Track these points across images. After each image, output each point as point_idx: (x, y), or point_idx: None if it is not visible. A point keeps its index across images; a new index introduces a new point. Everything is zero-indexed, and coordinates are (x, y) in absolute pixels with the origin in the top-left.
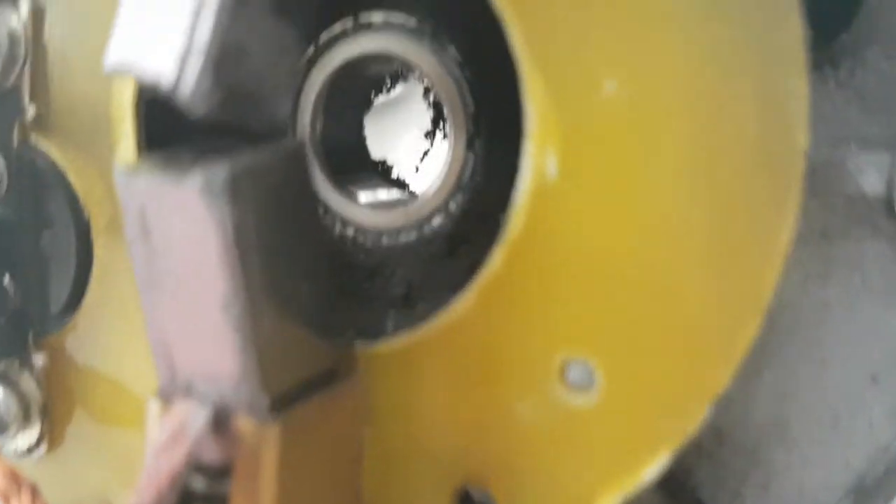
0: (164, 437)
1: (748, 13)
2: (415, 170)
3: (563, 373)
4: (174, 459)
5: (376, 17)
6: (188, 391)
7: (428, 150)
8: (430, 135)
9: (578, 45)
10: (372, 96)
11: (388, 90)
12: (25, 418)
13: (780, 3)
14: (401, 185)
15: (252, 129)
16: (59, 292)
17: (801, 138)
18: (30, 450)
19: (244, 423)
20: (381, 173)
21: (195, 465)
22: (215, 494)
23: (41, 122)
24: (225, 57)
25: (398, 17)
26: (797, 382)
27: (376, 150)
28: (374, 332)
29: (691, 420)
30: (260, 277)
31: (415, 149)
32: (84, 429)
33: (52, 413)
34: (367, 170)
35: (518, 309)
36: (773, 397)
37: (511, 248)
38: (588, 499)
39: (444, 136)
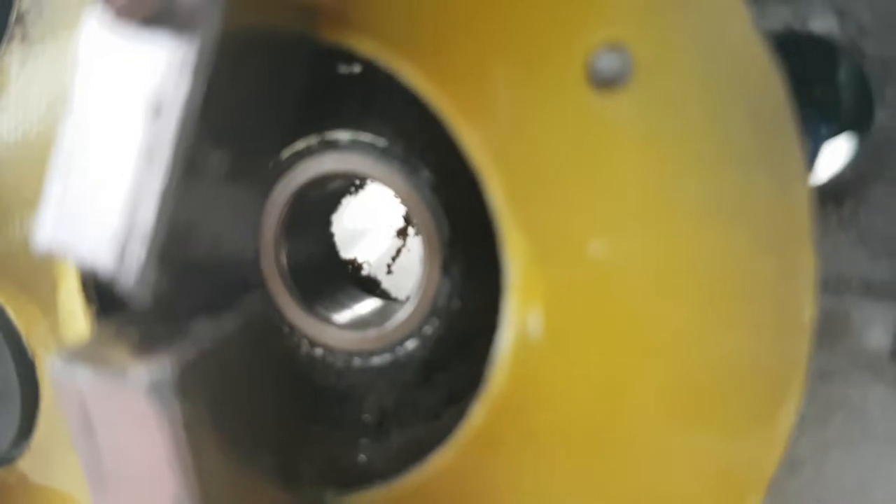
0: None
1: (753, 187)
2: (387, 269)
3: None
4: None
5: (343, 135)
6: None
7: (400, 249)
8: (403, 233)
9: (565, 204)
10: (338, 202)
11: (355, 191)
12: None
13: (786, 175)
14: (373, 286)
15: (207, 287)
16: (6, 429)
17: (808, 310)
18: None
19: None
20: (350, 276)
21: None
22: None
23: None
24: (172, 238)
25: (366, 137)
26: None
27: (345, 251)
28: (344, 464)
29: None
30: (213, 468)
31: (385, 248)
32: None
33: None
34: (336, 280)
35: (499, 468)
36: None
37: (493, 404)
38: None
39: (417, 233)
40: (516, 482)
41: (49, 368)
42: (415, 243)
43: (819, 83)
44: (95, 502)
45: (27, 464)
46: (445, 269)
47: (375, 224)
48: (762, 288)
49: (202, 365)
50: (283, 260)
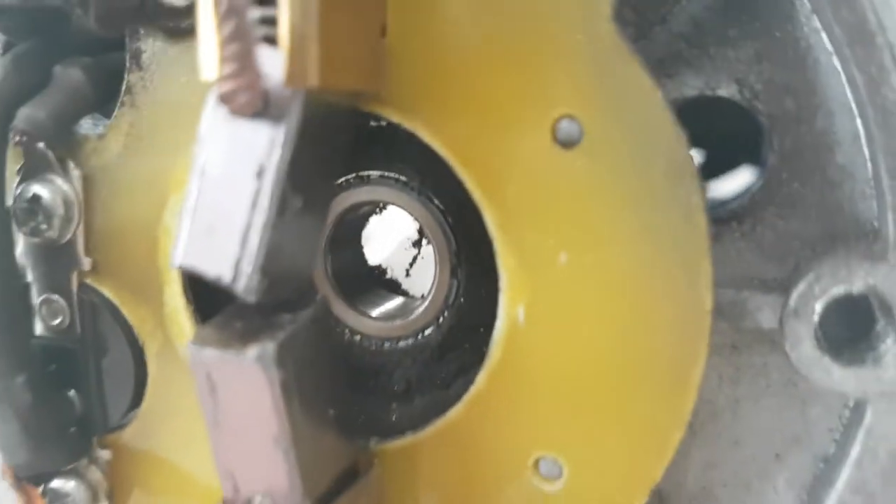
0: None
1: (666, 216)
2: (406, 273)
3: (536, 466)
4: None
5: (373, 173)
6: (249, 502)
7: (415, 257)
8: (417, 244)
9: (541, 228)
10: (366, 221)
11: (381, 211)
12: (95, 502)
13: (690, 207)
14: (395, 286)
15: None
16: (119, 402)
17: (707, 303)
18: None
19: None
20: (377, 278)
21: None
22: None
23: (96, 270)
24: (269, 258)
25: (391, 174)
26: (717, 458)
27: (373, 258)
28: (382, 422)
29: (636, 501)
30: (299, 416)
31: (404, 257)
32: (141, 501)
33: (117, 497)
34: (367, 282)
35: (500, 418)
36: (700, 469)
37: (492, 372)
38: None
39: (429, 242)
40: (508, 427)
41: (186, 350)
42: (427, 251)
43: (727, 134)
44: (212, 438)
45: (134, 430)
46: (453, 273)
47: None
48: (676, 286)
49: (289, 345)
50: (329, 268)
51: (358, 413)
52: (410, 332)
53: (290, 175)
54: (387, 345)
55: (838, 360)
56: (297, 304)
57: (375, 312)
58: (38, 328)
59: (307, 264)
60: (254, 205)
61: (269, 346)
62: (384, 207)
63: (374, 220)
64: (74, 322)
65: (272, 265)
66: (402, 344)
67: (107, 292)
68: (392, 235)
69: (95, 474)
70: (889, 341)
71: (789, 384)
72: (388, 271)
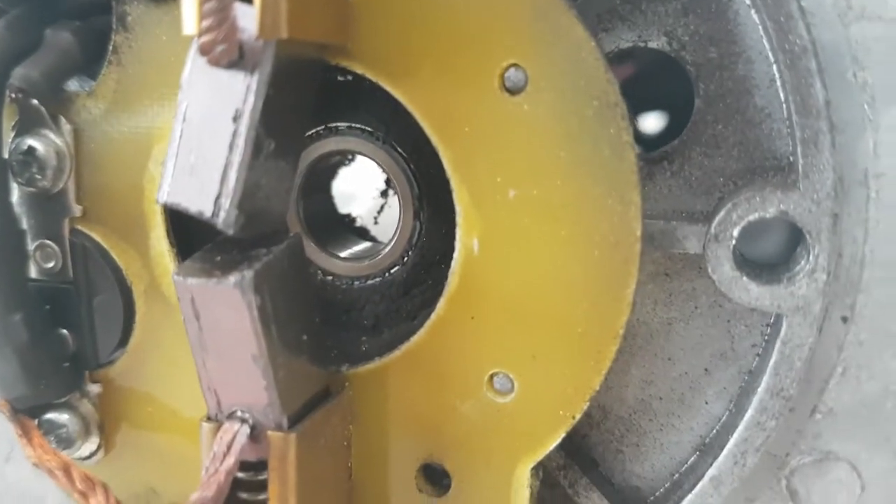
0: (219, 448)
1: (600, 152)
2: (374, 221)
3: (491, 382)
4: (228, 463)
5: (341, 124)
6: (231, 417)
7: (383, 205)
8: (384, 193)
9: (492, 167)
10: (337, 170)
11: (350, 161)
12: (86, 434)
13: (620, 144)
14: (364, 233)
15: (263, 230)
16: (110, 339)
17: (637, 230)
18: (91, 456)
19: (273, 436)
20: (348, 225)
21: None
22: (253, 481)
23: (87, 216)
24: (246, 194)
25: (358, 124)
26: (653, 374)
27: (343, 207)
28: (353, 353)
29: (577, 409)
30: (276, 336)
31: (373, 206)
32: (130, 437)
33: (107, 428)
34: (338, 226)
35: (458, 340)
36: (638, 384)
37: (450, 299)
38: (511, 466)
39: (395, 194)
40: (466, 348)
41: (171, 289)
42: (394, 202)
43: (658, 82)
44: (197, 359)
45: (123, 365)
46: (416, 216)
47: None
48: (610, 215)
49: (265, 273)
50: (301, 214)
51: (331, 347)
52: (378, 270)
53: (263, 119)
54: (356, 283)
55: (756, 279)
56: (272, 240)
57: (345, 254)
58: (33, 272)
59: (281, 204)
60: (231, 146)
61: (247, 274)
62: (353, 158)
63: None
64: (66, 265)
65: (249, 201)
66: (370, 282)
67: (96, 237)
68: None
69: (87, 407)
70: (802, 262)
71: (715, 306)
72: (358, 220)
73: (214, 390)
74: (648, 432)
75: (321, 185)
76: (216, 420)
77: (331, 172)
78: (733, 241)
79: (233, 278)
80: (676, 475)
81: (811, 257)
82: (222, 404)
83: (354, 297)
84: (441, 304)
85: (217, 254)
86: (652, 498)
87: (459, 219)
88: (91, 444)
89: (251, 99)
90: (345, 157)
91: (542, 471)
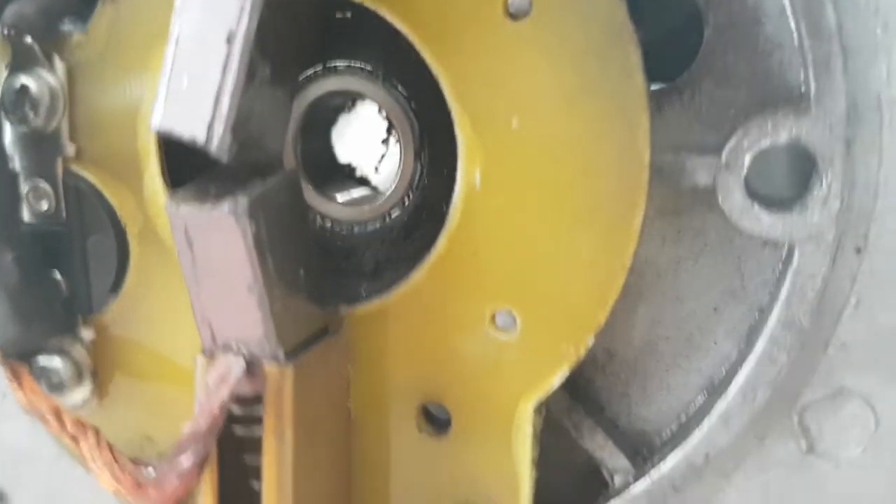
0: (213, 380)
1: (607, 75)
2: (374, 170)
3: (493, 319)
4: (222, 395)
5: (340, 63)
6: (226, 350)
7: (384, 154)
8: (385, 142)
9: (494, 96)
10: (337, 116)
11: (350, 109)
12: (79, 379)
13: (628, 66)
14: (364, 182)
15: (258, 163)
16: (103, 282)
17: (645, 156)
18: (84, 403)
19: (269, 368)
20: (348, 175)
21: (234, 399)
22: (248, 416)
23: (80, 156)
24: (239, 120)
25: (357, 63)
26: (661, 314)
27: (343, 157)
28: (353, 297)
29: (582, 344)
30: (272, 267)
31: (373, 154)
32: (124, 385)
33: (100, 374)
34: (337, 174)
35: (459, 277)
36: (646, 325)
37: (451, 235)
38: (513, 404)
39: (397, 141)
40: (467, 285)
41: (164, 208)
42: (394, 151)
43: (667, 12)
44: (191, 290)
45: (117, 310)
46: (417, 156)
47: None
48: (618, 140)
49: (261, 201)
50: (299, 156)
51: (330, 294)
52: (378, 215)
53: (258, 41)
54: (356, 229)
55: (767, 208)
56: (268, 174)
57: (344, 199)
58: (26, 215)
59: (277, 137)
60: (225, 69)
61: (241, 200)
62: (353, 103)
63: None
64: (60, 207)
65: (242, 128)
66: (370, 227)
67: (90, 177)
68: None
69: (80, 353)
70: (815, 189)
71: (725, 242)
72: (358, 170)
73: (209, 323)
74: (655, 374)
75: (320, 130)
76: (211, 354)
77: (330, 118)
78: (745, 170)
79: (227, 204)
80: (684, 417)
81: (824, 184)
82: (217, 337)
83: (354, 242)
84: (441, 240)
85: (211, 184)
86: (658, 441)
87: (461, 151)
88: (83, 391)
89: (245, 20)
90: (344, 103)
91: (546, 415)
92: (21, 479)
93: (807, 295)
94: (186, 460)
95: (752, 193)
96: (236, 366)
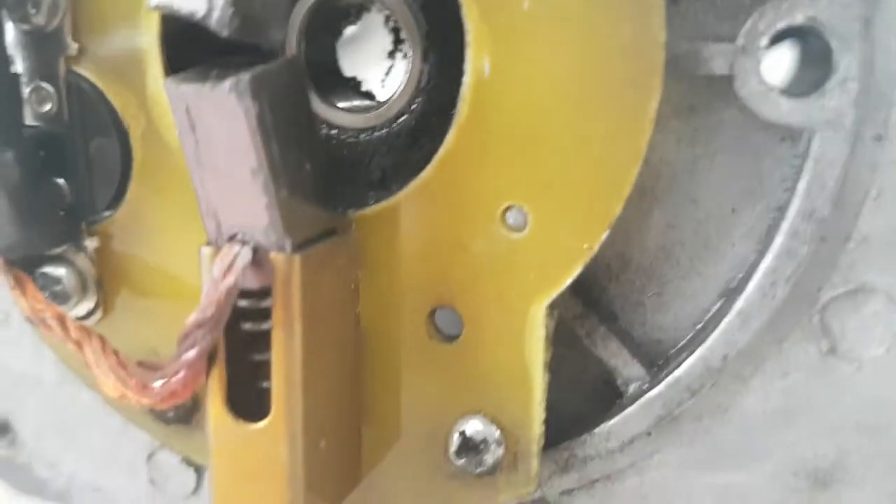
0: (218, 269)
1: None
2: (381, 84)
3: (504, 217)
4: (228, 283)
5: None
6: (231, 239)
7: (390, 67)
8: (391, 55)
9: None
10: (341, 25)
11: (354, 20)
12: (83, 290)
13: None
14: (370, 97)
15: (259, 48)
16: (106, 188)
17: (661, 36)
18: (88, 315)
19: (276, 257)
20: (353, 88)
21: (240, 291)
22: (257, 309)
23: (83, 55)
24: None
25: None
26: (677, 217)
27: (349, 70)
28: (361, 206)
29: (596, 239)
30: (276, 152)
31: (379, 68)
32: (130, 300)
33: (105, 286)
34: (342, 86)
35: (468, 173)
36: (661, 229)
37: (460, 129)
38: (525, 305)
39: (404, 55)
40: (476, 181)
41: (164, 88)
42: (401, 66)
43: None
44: (195, 178)
45: (121, 217)
46: (425, 57)
47: None
48: (632, 20)
49: (263, 80)
50: (303, 60)
51: (336, 204)
52: (385, 121)
53: None
54: (362, 136)
55: (785, 93)
56: (269, 58)
57: (350, 107)
58: (28, 117)
59: (278, 23)
60: None
61: (243, 77)
62: (357, 15)
63: None
64: (62, 109)
65: (243, 3)
66: (377, 134)
67: (92, 77)
68: None
69: (84, 262)
70: (832, 72)
71: (742, 139)
72: (363, 84)
73: (214, 212)
74: (671, 280)
75: (325, 40)
76: (216, 245)
77: (335, 30)
78: (762, 53)
79: (228, 82)
80: (700, 325)
81: (841, 66)
82: (222, 227)
83: (361, 151)
84: (450, 135)
85: (212, 68)
86: (674, 350)
87: (469, 38)
88: (88, 303)
89: None
90: (349, 13)
91: (558, 325)
92: (24, 406)
93: (826, 184)
94: (192, 350)
95: (770, 78)
96: (243, 253)
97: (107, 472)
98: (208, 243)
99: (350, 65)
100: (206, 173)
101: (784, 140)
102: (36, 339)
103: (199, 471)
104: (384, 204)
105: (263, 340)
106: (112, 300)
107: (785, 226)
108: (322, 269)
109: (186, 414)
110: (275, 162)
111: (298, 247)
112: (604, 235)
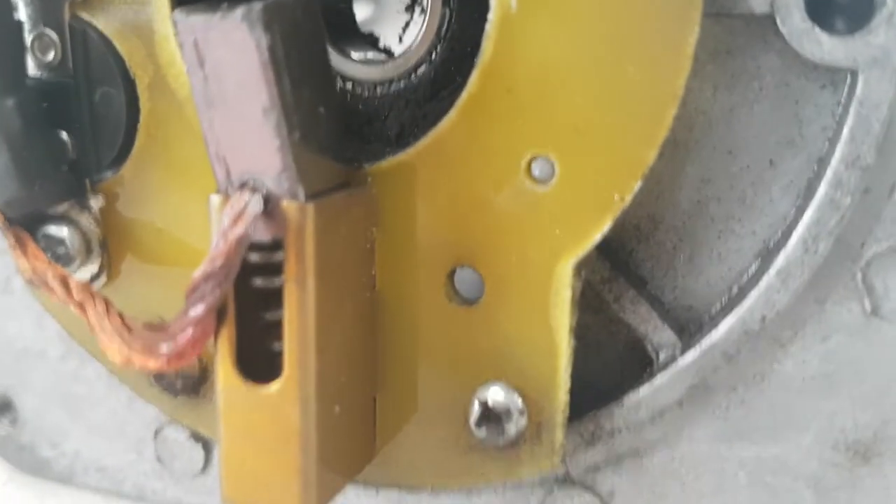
0: (228, 219)
1: None
2: (398, 40)
3: (529, 168)
4: (238, 232)
5: None
6: (242, 187)
7: (408, 21)
8: (410, 9)
9: None
10: None
11: None
12: (87, 252)
13: None
14: (387, 52)
15: None
16: (111, 143)
17: None
18: (92, 279)
19: (288, 206)
20: (370, 43)
21: (250, 244)
22: (267, 263)
23: (88, 1)
24: None
25: None
26: (712, 171)
27: (365, 26)
28: (377, 160)
29: (628, 191)
30: (289, 91)
31: (396, 22)
32: (136, 263)
33: (110, 249)
34: (357, 40)
35: (492, 120)
36: (694, 185)
37: (483, 71)
38: (550, 264)
39: (422, 11)
40: (500, 130)
41: (172, 19)
42: (418, 20)
43: None
44: (203, 120)
45: (127, 176)
46: (445, 1)
47: None
48: None
49: (276, 11)
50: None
51: (353, 160)
52: (403, 72)
53: None
54: (379, 90)
55: (828, 29)
56: None
57: (366, 59)
58: (31, 67)
59: None
60: None
61: (255, 6)
62: None
63: None
64: (67, 57)
65: None
66: (394, 87)
67: (98, 24)
68: None
69: (88, 222)
70: (880, 8)
71: (782, 85)
72: (381, 40)
73: (223, 157)
74: (705, 241)
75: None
76: (226, 192)
77: None
78: None
79: (240, 11)
80: (736, 288)
81: (889, 1)
82: (232, 173)
83: (377, 105)
84: (473, 78)
85: (223, 3)
86: (707, 316)
87: None
88: (92, 266)
89: None
90: None
91: (585, 288)
92: (26, 382)
93: (872, 127)
94: (200, 305)
95: (813, 14)
96: (253, 201)
97: (112, 450)
98: (217, 192)
99: (366, 20)
100: (215, 113)
101: (825, 87)
102: (39, 310)
103: (207, 447)
104: (401, 157)
105: (275, 298)
106: (117, 264)
107: (828, 174)
108: (337, 222)
109: (195, 385)
110: (287, 101)
111: (312, 196)
112: (637, 185)
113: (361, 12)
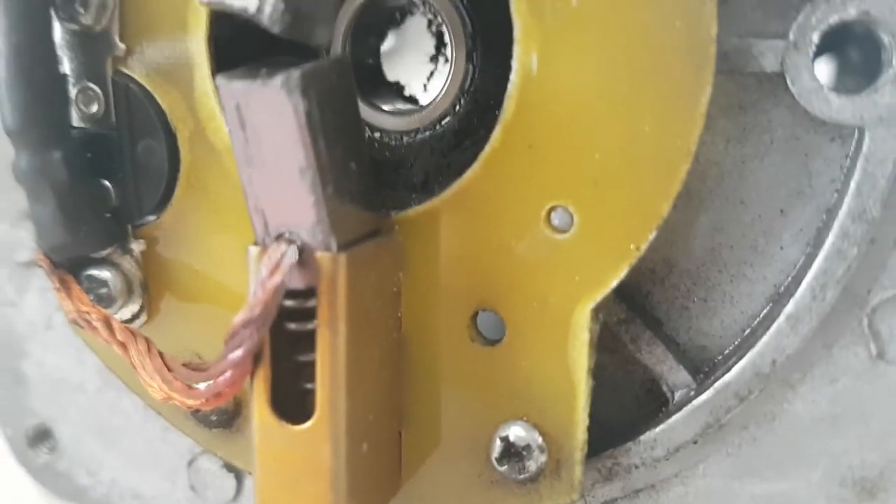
0: (266, 269)
1: None
2: (423, 88)
3: (549, 218)
4: (275, 282)
5: None
6: (278, 238)
7: (432, 71)
8: (434, 59)
9: None
10: (385, 27)
11: (399, 23)
12: (129, 293)
13: None
14: (412, 101)
15: (304, 49)
16: (153, 191)
17: (713, 29)
18: (133, 319)
19: (322, 256)
20: (396, 92)
21: (286, 291)
22: (301, 309)
23: (130, 56)
24: None
25: None
26: (724, 220)
27: (391, 75)
28: (403, 208)
29: (643, 240)
30: (324, 151)
31: (422, 72)
32: (174, 303)
33: (150, 290)
34: (383, 91)
35: (513, 173)
36: (708, 232)
37: (506, 128)
38: (569, 309)
39: (446, 60)
40: (521, 182)
41: (216, 85)
42: (443, 70)
43: None
44: (243, 176)
45: (167, 222)
46: (469, 58)
47: None
48: (683, 14)
49: (313, 77)
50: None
51: (379, 206)
52: (428, 122)
53: None
54: (405, 139)
55: (837, 89)
56: (315, 58)
57: (393, 109)
58: (75, 119)
59: (326, 18)
60: None
61: (293, 73)
62: (401, 19)
63: None
64: (109, 110)
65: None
66: (419, 137)
67: (140, 79)
68: None
69: (130, 265)
70: (886, 69)
71: (792, 139)
72: (406, 88)
73: (262, 210)
74: (717, 285)
75: (370, 43)
76: (263, 244)
77: (380, 31)
78: (813, 48)
79: (279, 78)
80: (748, 330)
81: (894, 62)
82: (269, 225)
83: (404, 153)
84: (496, 134)
85: (260, 66)
86: (720, 356)
87: (517, 34)
88: (133, 306)
89: None
90: (393, 17)
91: (602, 329)
92: (66, 413)
93: (878, 182)
94: (239, 350)
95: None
96: (289, 252)
97: (147, 478)
98: (255, 243)
99: (393, 69)
100: (254, 171)
101: (834, 140)
102: (78, 344)
103: (239, 477)
104: (427, 205)
105: (308, 341)
106: (157, 304)
107: (835, 226)
108: (367, 270)
109: (229, 418)
110: (322, 160)
111: (344, 246)
112: (651, 236)
113: (388, 63)
